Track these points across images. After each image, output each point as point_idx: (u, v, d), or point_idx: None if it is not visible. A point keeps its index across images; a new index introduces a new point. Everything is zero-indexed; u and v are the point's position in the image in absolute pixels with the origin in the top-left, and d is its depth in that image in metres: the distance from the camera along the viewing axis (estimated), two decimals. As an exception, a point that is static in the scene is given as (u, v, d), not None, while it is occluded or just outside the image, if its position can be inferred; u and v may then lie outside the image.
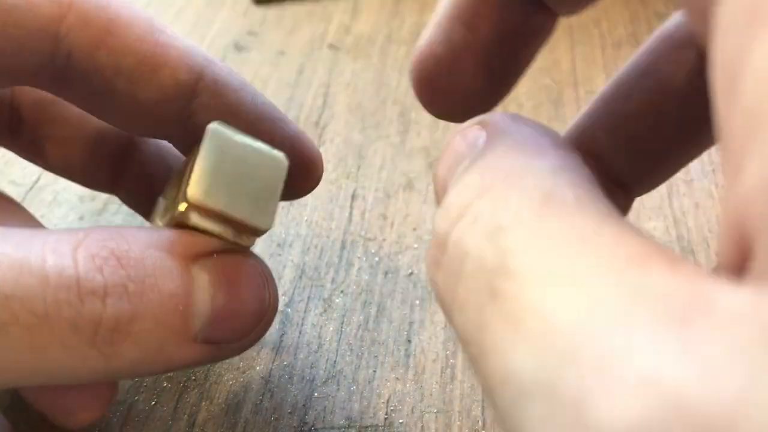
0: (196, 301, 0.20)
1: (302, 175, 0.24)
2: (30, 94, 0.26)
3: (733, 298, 0.10)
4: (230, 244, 0.21)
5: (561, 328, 0.11)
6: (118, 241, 0.19)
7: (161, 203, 0.24)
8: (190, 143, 0.23)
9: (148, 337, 0.19)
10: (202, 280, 0.20)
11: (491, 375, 0.13)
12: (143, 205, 0.27)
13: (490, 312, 0.13)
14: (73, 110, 0.26)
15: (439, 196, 0.18)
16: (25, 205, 0.32)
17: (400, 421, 0.26)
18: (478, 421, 0.25)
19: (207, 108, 0.22)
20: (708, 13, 0.12)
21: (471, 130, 0.17)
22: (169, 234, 0.21)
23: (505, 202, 0.14)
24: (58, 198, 0.35)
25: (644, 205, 0.33)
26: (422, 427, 0.25)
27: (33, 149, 0.27)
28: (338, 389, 0.27)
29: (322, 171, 0.25)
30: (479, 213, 0.14)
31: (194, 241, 0.21)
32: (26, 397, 0.24)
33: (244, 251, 0.22)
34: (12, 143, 0.27)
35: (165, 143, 0.27)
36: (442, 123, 0.36)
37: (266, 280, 0.22)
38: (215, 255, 0.21)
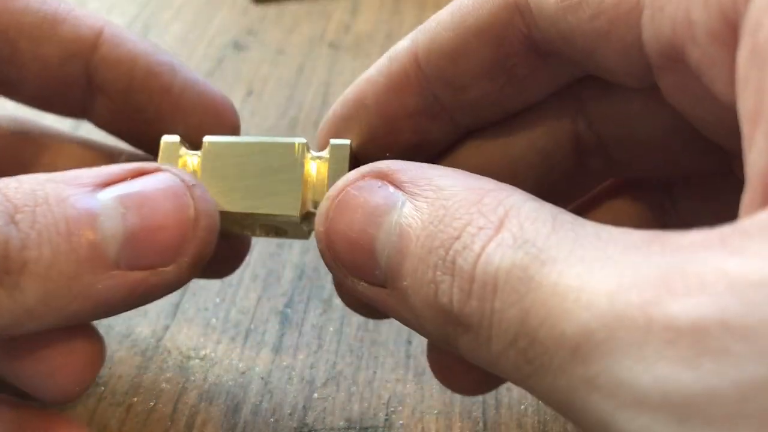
0: (103, 222, 0.19)
1: (215, 123, 0.23)
2: None
3: (752, 219, 0.13)
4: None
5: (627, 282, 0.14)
6: (7, 182, 0.19)
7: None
8: (105, 116, 0.23)
9: (51, 265, 0.18)
10: (109, 198, 0.19)
11: (543, 348, 0.15)
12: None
13: (531, 298, 0.15)
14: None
15: (359, 252, 0.19)
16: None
17: (401, 422, 0.26)
18: (478, 422, 0.25)
19: (107, 60, 0.22)
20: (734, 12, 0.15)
21: (370, 184, 0.19)
22: (77, 170, 0.20)
23: (520, 228, 0.16)
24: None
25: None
26: (422, 428, 0.25)
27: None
28: (338, 390, 0.26)
29: (237, 117, 0.24)
30: (502, 240, 0.16)
31: (101, 171, 0.20)
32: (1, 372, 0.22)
33: (158, 169, 0.21)
34: None
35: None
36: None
37: (188, 188, 0.20)
38: (128, 179, 0.20)
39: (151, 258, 0.20)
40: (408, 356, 0.28)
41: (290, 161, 0.22)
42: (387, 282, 0.19)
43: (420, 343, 0.28)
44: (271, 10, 0.46)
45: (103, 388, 0.26)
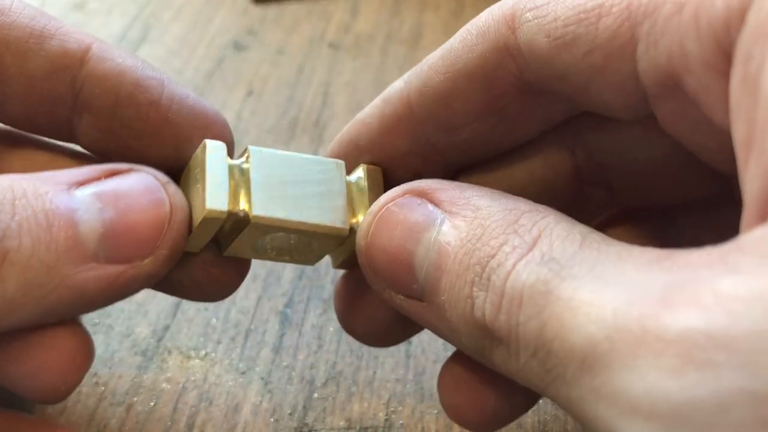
0: (81, 216, 0.20)
1: (207, 137, 0.22)
2: None
3: (747, 236, 0.14)
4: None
5: (632, 298, 0.14)
6: None
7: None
8: (92, 135, 0.23)
9: (31, 255, 0.19)
10: (86, 195, 0.20)
11: (557, 360, 0.16)
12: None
13: (548, 311, 0.16)
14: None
15: (398, 266, 0.20)
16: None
17: (401, 422, 0.26)
18: (478, 423, 0.25)
19: (94, 75, 0.22)
20: (728, 48, 0.16)
21: (410, 201, 0.20)
22: (52, 171, 0.20)
23: (550, 247, 0.17)
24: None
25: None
26: (422, 428, 0.25)
27: None
28: (338, 390, 0.26)
29: (230, 132, 0.23)
30: (531, 257, 0.17)
31: (76, 171, 0.21)
32: None
33: (131, 168, 0.21)
34: None
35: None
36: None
37: (162, 185, 0.21)
38: (102, 178, 0.21)
39: (129, 251, 0.20)
40: (408, 356, 0.28)
41: (332, 179, 0.22)
42: (424, 296, 0.19)
43: (420, 342, 0.28)
44: (271, 10, 0.46)
45: (103, 388, 0.26)
